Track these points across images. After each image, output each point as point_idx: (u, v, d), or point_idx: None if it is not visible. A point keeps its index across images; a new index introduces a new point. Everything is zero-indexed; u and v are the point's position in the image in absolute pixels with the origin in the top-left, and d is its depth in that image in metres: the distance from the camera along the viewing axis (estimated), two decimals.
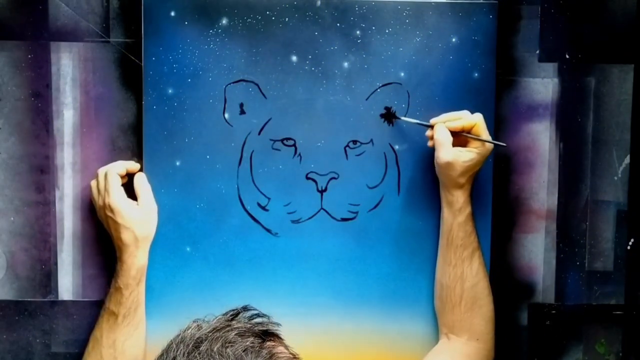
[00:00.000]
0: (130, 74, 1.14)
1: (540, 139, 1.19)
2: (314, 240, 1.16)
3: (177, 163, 1.14)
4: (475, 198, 1.16)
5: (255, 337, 0.78)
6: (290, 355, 0.79)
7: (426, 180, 1.17)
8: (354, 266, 1.17)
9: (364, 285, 1.17)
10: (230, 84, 1.14)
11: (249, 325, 0.80)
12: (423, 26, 1.14)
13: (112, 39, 1.14)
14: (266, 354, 0.79)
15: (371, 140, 1.16)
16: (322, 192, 1.16)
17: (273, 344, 0.78)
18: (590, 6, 1.17)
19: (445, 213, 1.13)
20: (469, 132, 1.11)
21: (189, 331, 0.84)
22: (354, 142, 1.15)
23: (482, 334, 1.13)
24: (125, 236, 1.09)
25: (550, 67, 1.18)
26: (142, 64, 1.13)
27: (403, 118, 1.14)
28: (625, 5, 1.18)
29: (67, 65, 1.14)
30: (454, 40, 1.15)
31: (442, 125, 1.11)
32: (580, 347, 1.23)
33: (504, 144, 1.15)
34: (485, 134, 1.11)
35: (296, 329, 1.17)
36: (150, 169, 1.14)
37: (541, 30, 1.18)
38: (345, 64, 1.15)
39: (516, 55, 1.18)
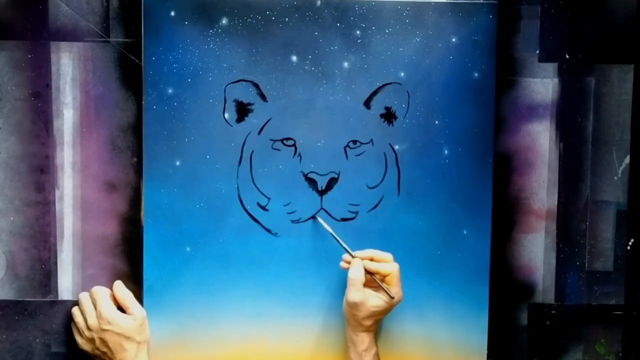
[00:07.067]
0: (130, 74, 1.14)
1: (540, 139, 1.19)
2: (314, 240, 1.16)
3: (177, 163, 1.14)
4: (475, 198, 1.16)
5: None
6: None
7: (426, 180, 1.17)
8: None
9: None
10: (230, 84, 1.14)
11: None
12: (423, 26, 1.14)
13: (112, 39, 1.14)
14: None
15: (371, 140, 1.16)
16: (322, 192, 1.16)
17: None
18: (590, 6, 1.17)
19: (351, 354, 1.13)
20: (383, 278, 1.11)
21: None
22: (354, 142, 1.15)
23: None
24: (128, 345, 1.09)
25: (550, 67, 1.18)
26: (142, 64, 1.13)
27: (325, 226, 1.14)
28: (625, 5, 1.18)
29: (67, 65, 1.14)
30: (454, 40, 1.15)
31: (360, 263, 1.10)
32: (580, 347, 1.23)
33: (393, 297, 1.10)
34: (397, 287, 1.10)
35: (296, 329, 1.17)
36: (150, 169, 1.14)
37: (541, 30, 1.18)
38: (345, 64, 1.15)
39: (516, 55, 1.18)
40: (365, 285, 1.10)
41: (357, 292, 1.09)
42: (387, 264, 1.11)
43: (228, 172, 1.15)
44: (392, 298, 1.10)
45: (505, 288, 1.21)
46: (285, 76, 1.14)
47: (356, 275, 1.09)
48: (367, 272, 1.11)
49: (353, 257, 1.12)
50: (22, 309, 1.17)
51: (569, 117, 1.19)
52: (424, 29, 1.14)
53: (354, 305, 1.09)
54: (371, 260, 1.12)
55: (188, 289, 1.16)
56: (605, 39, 1.18)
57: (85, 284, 1.17)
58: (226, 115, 1.14)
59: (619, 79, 1.19)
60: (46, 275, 1.17)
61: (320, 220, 1.15)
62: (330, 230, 1.14)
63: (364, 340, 1.11)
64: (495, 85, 1.16)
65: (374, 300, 1.10)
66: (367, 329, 1.11)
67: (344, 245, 1.13)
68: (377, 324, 1.13)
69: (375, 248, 1.15)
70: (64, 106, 1.15)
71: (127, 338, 1.09)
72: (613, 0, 1.18)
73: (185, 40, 1.13)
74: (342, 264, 1.13)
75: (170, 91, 1.13)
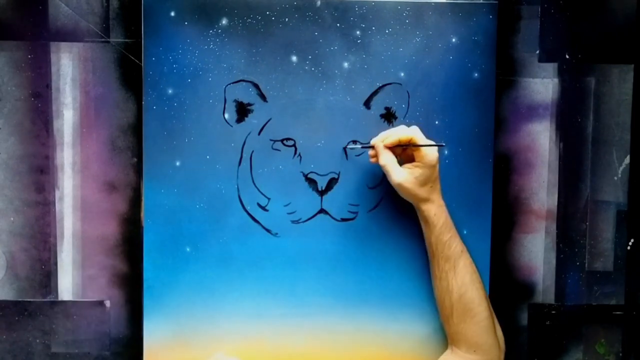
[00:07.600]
0: (130, 74, 1.14)
1: (540, 139, 1.19)
2: (314, 241, 1.16)
3: (177, 163, 1.15)
4: (475, 198, 1.16)
5: None
6: None
7: None
8: (354, 266, 1.17)
9: (364, 285, 1.17)
10: (230, 84, 1.14)
11: None
12: (423, 26, 1.14)
13: (112, 39, 1.14)
14: None
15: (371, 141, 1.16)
16: (322, 192, 1.16)
17: None
18: (590, 6, 1.17)
19: (423, 228, 1.13)
20: (408, 141, 1.09)
21: None
22: (354, 142, 1.15)
23: (478, 345, 1.10)
24: None
25: (550, 67, 1.18)
26: (142, 64, 1.13)
27: (349, 147, 1.14)
28: (625, 5, 1.18)
29: (67, 65, 1.14)
30: (454, 40, 1.15)
31: (381, 146, 1.09)
32: (580, 347, 1.23)
33: (443, 144, 1.12)
34: (423, 142, 1.09)
35: (296, 329, 1.17)
36: (150, 169, 1.14)
37: (541, 30, 1.18)
38: (345, 64, 1.15)
39: (516, 55, 1.18)
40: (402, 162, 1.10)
41: (396, 174, 1.08)
42: (402, 130, 1.10)
43: (228, 172, 1.15)
44: (443, 145, 1.11)
45: (505, 288, 1.21)
46: (285, 76, 1.14)
47: (385, 158, 1.09)
48: (398, 148, 1.10)
49: (372, 146, 1.11)
50: (22, 309, 1.17)
51: (569, 117, 1.19)
52: (424, 29, 1.14)
53: (401, 187, 1.09)
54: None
55: (188, 289, 1.16)
56: (605, 39, 1.18)
57: (85, 284, 1.17)
58: (226, 116, 1.14)
59: (619, 79, 1.19)
60: (46, 276, 1.17)
61: (350, 147, 1.14)
62: (359, 146, 1.14)
63: (429, 212, 1.10)
64: (495, 85, 1.16)
65: (414, 171, 1.09)
66: (427, 199, 1.10)
67: (366, 145, 1.13)
68: (436, 189, 1.11)
69: (375, 248, 1.15)
70: (64, 106, 1.15)
71: None
72: (613, 0, 1.18)
73: (185, 41, 1.13)
74: (371, 160, 1.12)
75: (170, 91, 1.13)
